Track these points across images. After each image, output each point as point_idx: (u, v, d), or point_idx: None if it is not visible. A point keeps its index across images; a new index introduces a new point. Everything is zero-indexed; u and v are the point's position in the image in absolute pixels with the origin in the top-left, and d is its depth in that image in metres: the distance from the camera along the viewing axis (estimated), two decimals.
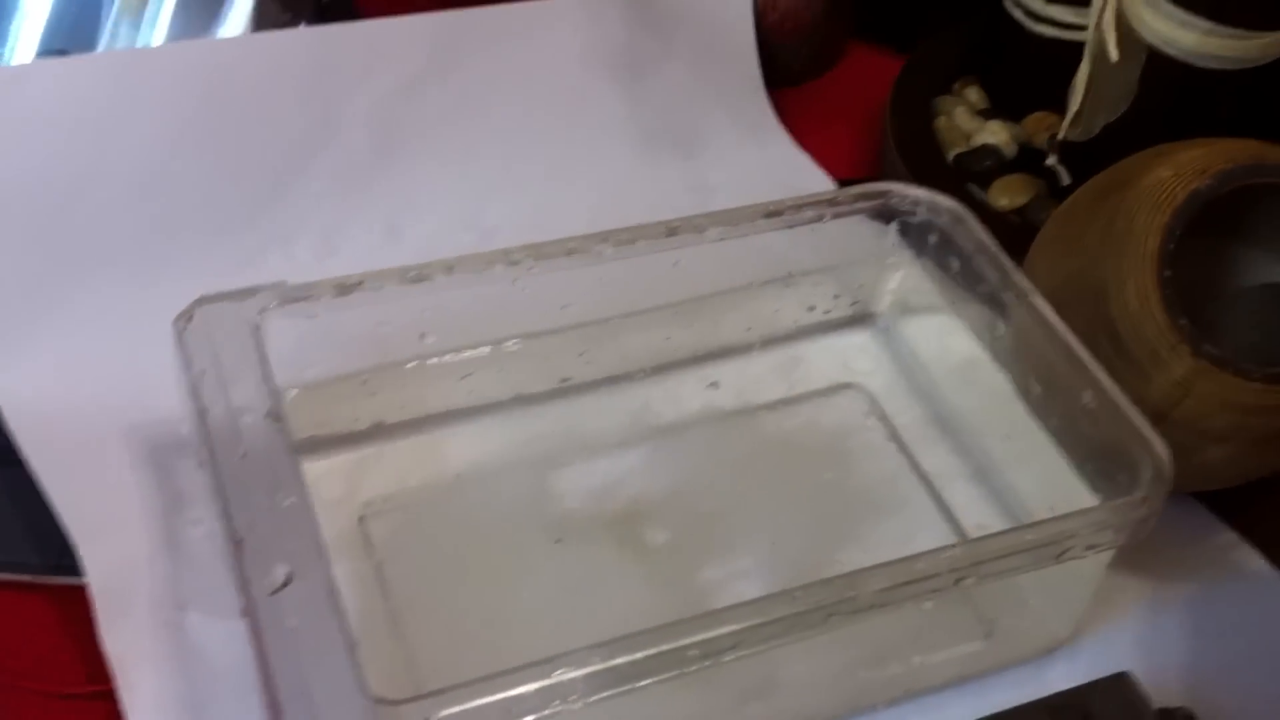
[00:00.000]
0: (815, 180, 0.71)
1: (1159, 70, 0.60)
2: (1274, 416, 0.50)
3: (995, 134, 0.70)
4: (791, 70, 0.77)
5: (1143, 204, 0.51)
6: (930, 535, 0.53)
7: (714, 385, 0.58)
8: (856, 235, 0.59)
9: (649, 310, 0.58)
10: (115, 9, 0.65)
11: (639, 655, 0.41)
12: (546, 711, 0.40)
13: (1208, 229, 0.51)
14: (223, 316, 0.50)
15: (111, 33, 0.65)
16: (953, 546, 0.45)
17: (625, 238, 0.54)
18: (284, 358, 0.49)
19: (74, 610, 0.49)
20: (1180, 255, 0.50)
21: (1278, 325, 0.57)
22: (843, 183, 0.71)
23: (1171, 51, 0.59)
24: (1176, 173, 0.51)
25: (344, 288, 0.51)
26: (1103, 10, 0.61)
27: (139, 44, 0.65)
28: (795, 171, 0.72)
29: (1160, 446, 0.47)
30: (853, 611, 0.43)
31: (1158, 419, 0.49)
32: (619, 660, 0.40)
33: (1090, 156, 0.63)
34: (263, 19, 0.66)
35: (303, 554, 0.43)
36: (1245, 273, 0.58)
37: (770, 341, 0.60)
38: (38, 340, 0.56)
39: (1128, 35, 0.60)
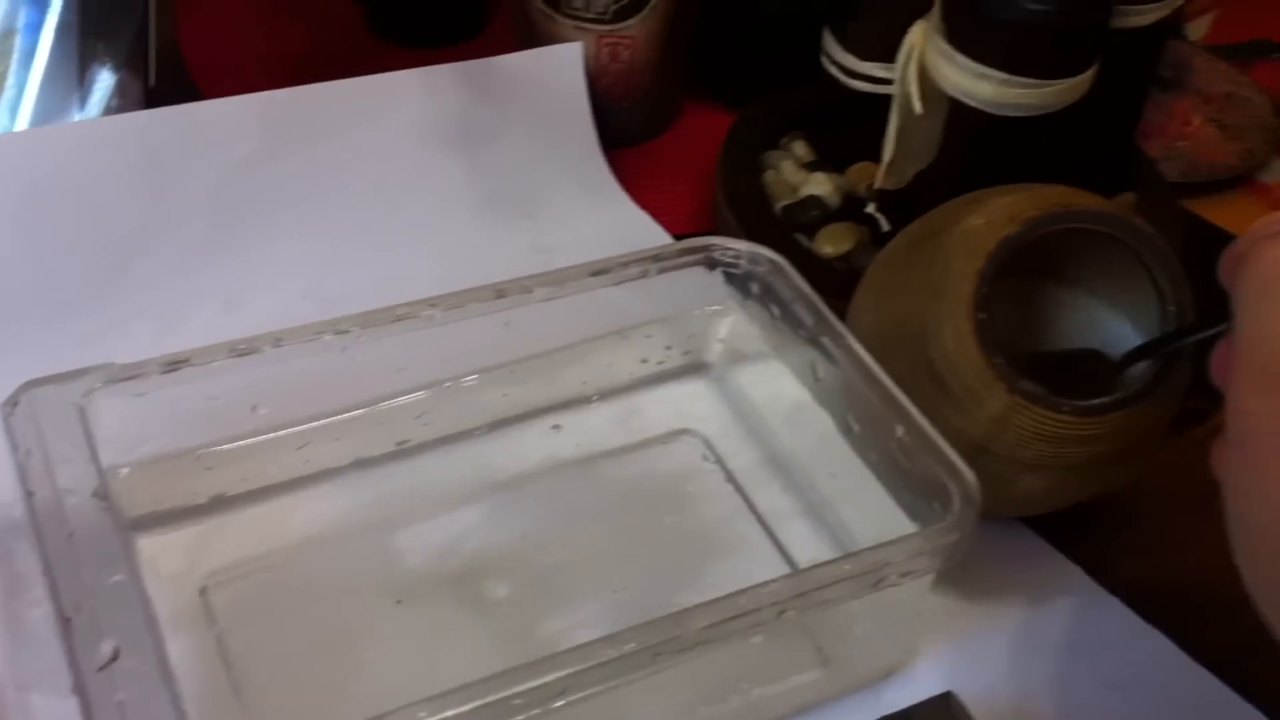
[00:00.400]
0: (655, 237, 0.73)
1: (962, 120, 0.63)
2: (1085, 445, 0.52)
3: (820, 185, 0.72)
4: (628, 132, 0.79)
5: (957, 251, 0.53)
6: (768, 572, 0.54)
7: (556, 429, 0.60)
8: (685, 287, 0.60)
9: (484, 370, 0.59)
10: None
11: (467, 707, 0.41)
12: None
13: (1021, 268, 0.54)
14: (48, 399, 0.50)
15: None
16: (775, 580, 0.47)
17: (453, 302, 0.55)
18: (114, 437, 0.50)
19: None
20: (995, 295, 0.53)
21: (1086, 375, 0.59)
22: (680, 238, 0.73)
23: (971, 102, 0.62)
24: (988, 220, 0.54)
25: (171, 364, 0.52)
26: (906, 66, 0.64)
27: (1, 129, 0.65)
28: (635, 229, 0.74)
29: (968, 474, 0.49)
30: (679, 650, 0.44)
31: (979, 451, 0.52)
32: (449, 713, 0.41)
33: (906, 203, 0.66)
34: (125, 98, 0.67)
35: (131, 629, 0.43)
36: (1058, 308, 0.61)
37: (607, 394, 0.62)
38: None
39: (930, 88, 0.63)
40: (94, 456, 0.48)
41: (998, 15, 0.60)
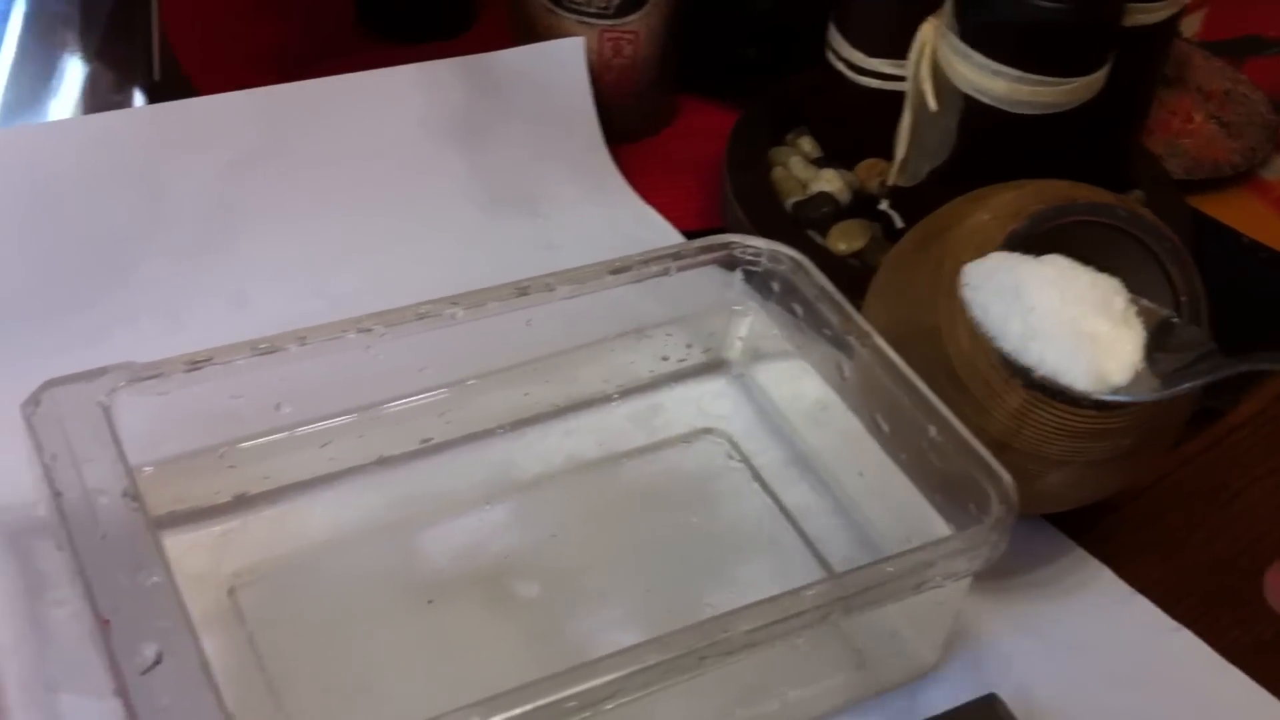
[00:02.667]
0: (661, 233, 0.73)
1: (976, 117, 0.63)
2: (1106, 439, 0.52)
3: (830, 182, 0.72)
4: (630, 128, 0.79)
5: (965, 247, 0.53)
6: (798, 571, 0.54)
7: (578, 428, 0.59)
8: (704, 286, 0.60)
9: (506, 369, 0.58)
10: None
11: (517, 711, 0.41)
12: None
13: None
14: (71, 398, 0.49)
15: None
16: (818, 583, 0.46)
17: (476, 300, 0.55)
18: (137, 436, 0.49)
19: None
20: None
21: None
22: (688, 234, 0.72)
23: (985, 99, 0.62)
24: (994, 216, 0.54)
25: (194, 363, 0.51)
26: (919, 63, 0.64)
27: None
28: (641, 225, 0.73)
29: (1004, 475, 0.49)
30: (725, 653, 0.44)
31: (999, 449, 0.52)
32: (500, 716, 0.41)
33: (919, 200, 0.66)
34: (94, 95, 0.65)
35: (171, 631, 0.42)
36: None
37: (628, 392, 0.61)
38: None
39: (944, 86, 0.63)
40: (121, 456, 0.47)
41: (1012, 13, 0.60)
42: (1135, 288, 0.57)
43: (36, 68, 0.66)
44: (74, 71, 0.66)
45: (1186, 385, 0.49)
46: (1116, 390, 0.50)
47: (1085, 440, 0.52)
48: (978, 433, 0.51)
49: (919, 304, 0.54)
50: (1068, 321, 0.50)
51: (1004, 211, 0.53)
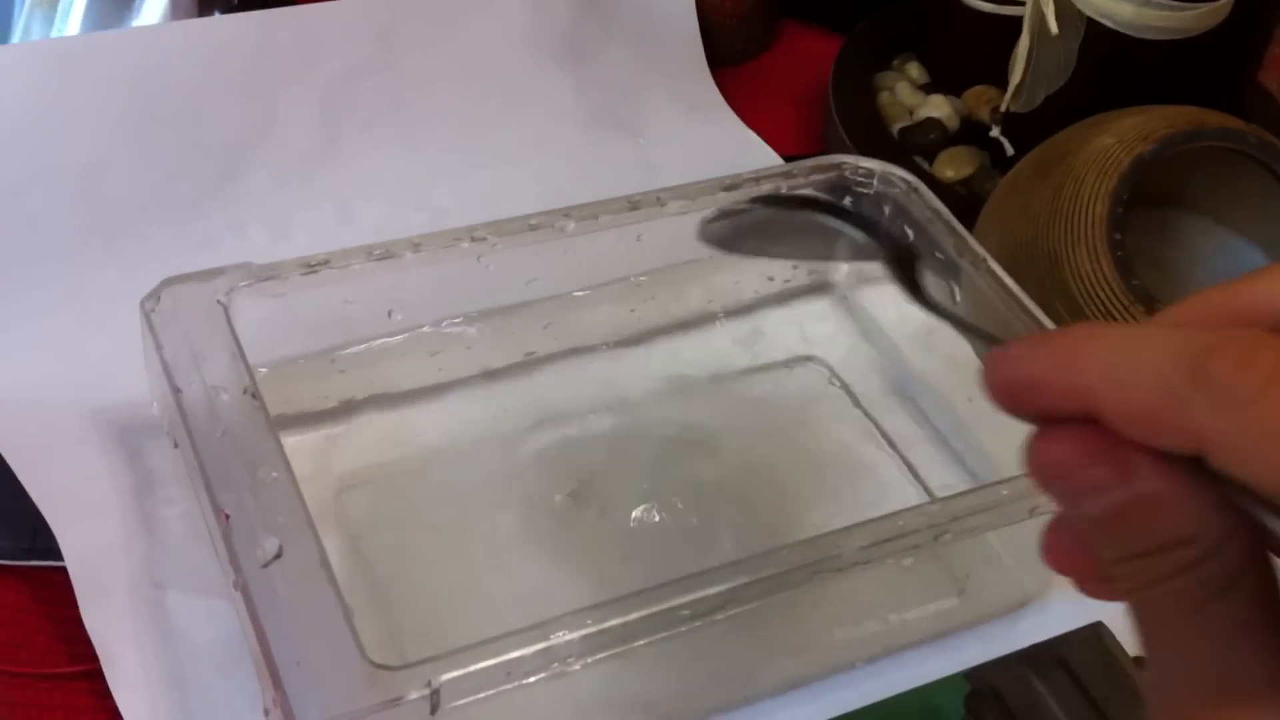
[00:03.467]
0: (761, 157, 0.72)
1: (1097, 42, 0.62)
2: None
3: (938, 108, 0.71)
4: (732, 50, 0.78)
5: (1089, 171, 0.52)
6: (899, 496, 0.54)
7: (678, 355, 0.59)
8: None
9: (612, 283, 0.58)
10: (28, 4, 0.64)
11: (633, 616, 0.41)
12: (544, 674, 0.40)
13: (1147, 196, 0.53)
14: (190, 297, 0.49)
15: (25, 25, 0.64)
16: (930, 503, 0.46)
17: (588, 213, 0.55)
18: (251, 337, 0.49)
19: (49, 593, 0.49)
20: (1127, 217, 0.52)
21: None
22: (789, 159, 0.72)
23: (1109, 24, 0.61)
24: (1119, 140, 0.53)
25: (310, 266, 0.51)
26: None
27: (53, 35, 0.64)
28: (741, 148, 0.73)
29: None
30: (837, 569, 0.44)
31: None
32: (613, 622, 0.41)
33: (1032, 127, 0.65)
34: (177, 7, 0.65)
35: (291, 527, 0.42)
36: (1186, 235, 0.60)
37: (732, 313, 0.61)
38: None
39: (1066, 9, 0.62)
40: (241, 354, 0.47)
41: None
42: (1256, 219, 0.56)
43: None
44: None
45: None
46: None
47: None
48: None
49: (1037, 228, 0.53)
50: None
51: (1129, 135, 0.52)
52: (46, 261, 0.58)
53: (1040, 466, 0.26)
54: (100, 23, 0.64)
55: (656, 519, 0.53)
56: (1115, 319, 0.51)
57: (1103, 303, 0.51)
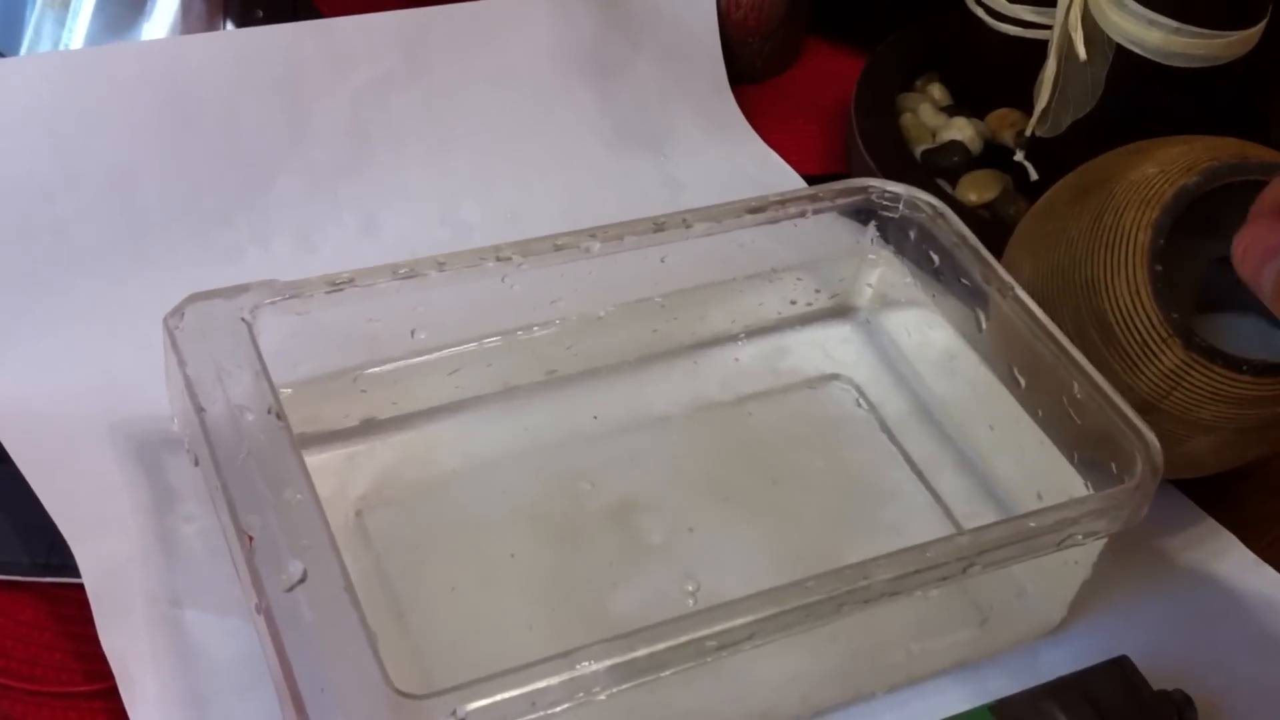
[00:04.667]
0: (782, 176, 0.72)
1: (1125, 68, 0.61)
2: (1260, 407, 0.51)
3: (961, 130, 0.71)
4: (754, 68, 0.78)
5: (1131, 200, 0.52)
6: (923, 523, 0.54)
7: (700, 375, 0.59)
8: (837, 230, 0.59)
9: (635, 303, 0.58)
10: (39, 4, 0.64)
11: (660, 646, 0.41)
12: (569, 703, 0.40)
13: (1186, 225, 0.52)
14: (214, 313, 0.49)
15: (36, 24, 0.64)
16: (959, 535, 0.46)
17: (613, 233, 0.54)
18: (274, 354, 0.49)
19: (65, 610, 0.48)
20: (1168, 248, 0.51)
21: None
22: (810, 179, 0.72)
23: (1138, 50, 0.60)
24: (1163, 169, 0.52)
25: (335, 284, 0.51)
26: (1069, 9, 0.62)
27: (63, 40, 0.64)
28: (762, 168, 0.72)
29: (1150, 435, 0.48)
30: (864, 600, 0.44)
31: (1146, 409, 0.51)
32: (640, 652, 0.40)
33: (1058, 153, 0.64)
34: (188, 15, 0.65)
35: (315, 549, 0.42)
36: (1218, 266, 0.60)
37: (754, 333, 0.61)
38: (18, 340, 0.55)
39: (1094, 34, 0.61)
40: (265, 373, 0.47)
41: None
42: None
43: None
44: None
45: None
46: None
47: (1237, 406, 0.51)
48: (1125, 391, 0.50)
49: (1074, 255, 0.53)
50: None
51: (1174, 166, 0.52)
52: (73, 270, 0.58)
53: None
54: (110, 24, 0.64)
55: (680, 540, 0.53)
56: (1151, 350, 0.51)
57: (1140, 333, 0.51)
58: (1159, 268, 0.51)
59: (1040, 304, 0.53)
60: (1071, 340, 0.52)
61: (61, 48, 0.64)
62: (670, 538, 0.53)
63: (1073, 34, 0.62)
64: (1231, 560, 0.56)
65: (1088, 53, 0.61)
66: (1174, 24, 0.59)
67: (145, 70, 0.61)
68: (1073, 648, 0.52)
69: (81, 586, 0.48)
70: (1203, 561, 0.56)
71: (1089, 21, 0.61)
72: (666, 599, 0.50)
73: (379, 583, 0.49)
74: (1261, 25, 0.61)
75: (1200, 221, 0.52)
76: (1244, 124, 0.66)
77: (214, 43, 0.63)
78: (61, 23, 0.64)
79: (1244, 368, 0.50)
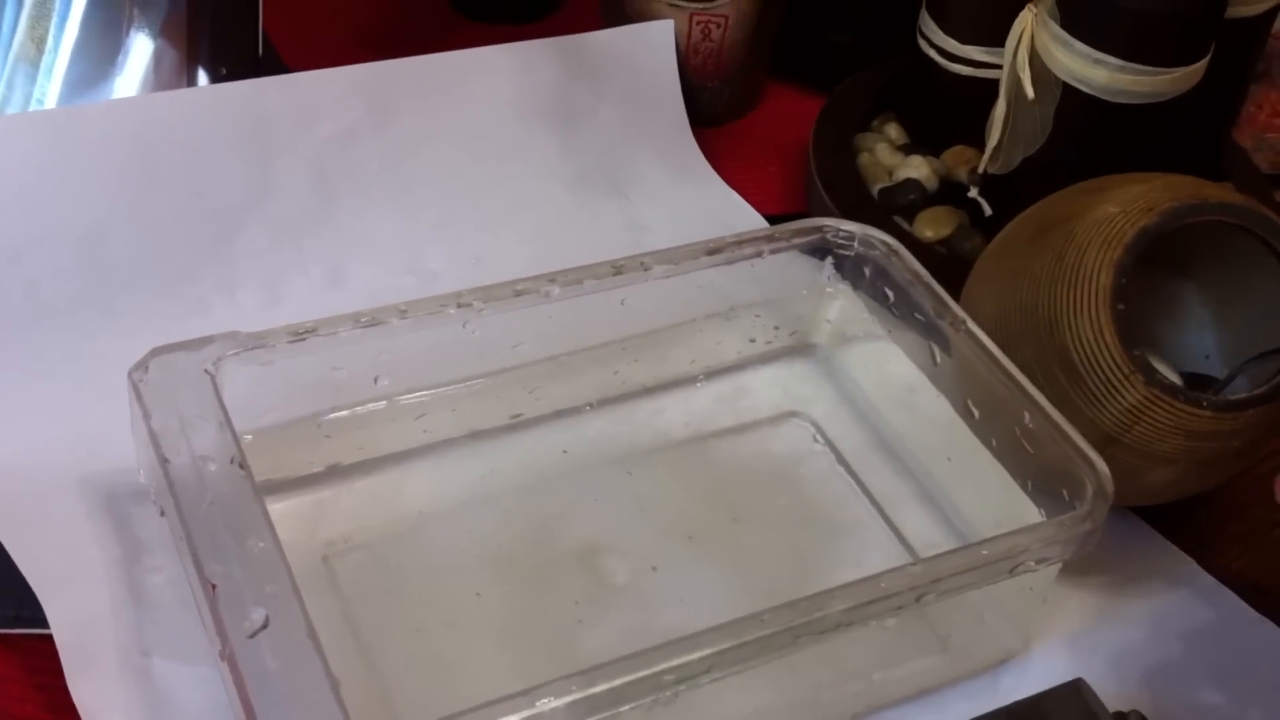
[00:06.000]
0: (744, 217, 0.73)
1: (1073, 106, 0.63)
2: (1219, 440, 0.52)
3: (917, 168, 0.72)
4: (715, 111, 0.79)
5: (1093, 239, 0.53)
6: (883, 555, 0.55)
7: (665, 407, 0.60)
8: (794, 269, 0.60)
9: (596, 346, 0.59)
10: (11, 55, 0.65)
11: (618, 682, 0.41)
12: None
13: (1145, 260, 0.54)
14: (178, 366, 0.50)
15: (9, 79, 0.65)
16: (913, 565, 0.47)
17: (572, 278, 0.55)
18: (238, 404, 0.50)
19: (35, 661, 0.49)
20: (1130, 287, 0.52)
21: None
22: (771, 219, 0.73)
23: (1085, 89, 0.62)
24: (1124, 209, 0.53)
25: (298, 334, 0.52)
26: (1017, 50, 0.63)
27: (35, 94, 0.65)
28: (725, 209, 0.74)
29: (1100, 464, 0.50)
30: (820, 631, 0.44)
31: (1108, 442, 0.52)
32: (599, 688, 0.41)
33: (1011, 188, 0.66)
34: (160, 68, 0.66)
35: (278, 596, 0.43)
36: (1177, 302, 0.61)
37: (714, 373, 0.62)
38: None
39: (1042, 74, 0.63)
40: (229, 424, 0.48)
41: (1119, 2, 0.60)
42: (1247, 290, 0.56)
43: (103, 44, 0.66)
44: (142, 48, 0.67)
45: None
46: None
47: (1197, 440, 0.52)
48: (1088, 425, 0.51)
49: (1035, 292, 0.54)
50: None
51: (1134, 205, 0.53)
52: (41, 326, 0.59)
53: None
54: (83, 78, 0.65)
55: (643, 580, 0.53)
56: (1114, 386, 0.52)
57: (1103, 370, 0.52)
58: (1121, 306, 0.52)
59: (1002, 341, 0.54)
60: (1035, 376, 0.53)
61: (34, 102, 0.65)
62: (635, 578, 0.53)
63: (1021, 74, 0.63)
64: (1190, 584, 0.57)
65: (1036, 92, 0.63)
66: (1119, 62, 0.60)
67: (112, 129, 0.62)
68: (1032, 672, 0.53)
69: (51, 638, 0.48)
70: (1161, 585, 0.57)
71: (1037, 62, 0.63)
72: (635, 636, 0.51)
73: (346, 627, 0.50)
74: (1205, 61, 0.62)
75: (1159, 256, 0.53)
76: (1192, 157, 0.67)
77: (180, 100, 0.64)
78: (33, 78, 0.65)
79: (1204, 403, 0.51)
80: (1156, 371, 0.51)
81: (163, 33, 0.66)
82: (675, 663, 0.42)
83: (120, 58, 0.66)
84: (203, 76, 0.67)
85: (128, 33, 0.66)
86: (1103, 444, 0.51)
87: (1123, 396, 0.51)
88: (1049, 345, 0.53)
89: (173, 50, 0.67)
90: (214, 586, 0.43)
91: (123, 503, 0.53)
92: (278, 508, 0.53)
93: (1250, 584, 0.57)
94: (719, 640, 0.43)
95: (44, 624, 0.49)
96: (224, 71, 0.66)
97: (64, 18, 0.66)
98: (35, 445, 0.54)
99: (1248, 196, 0.55)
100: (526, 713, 0.40)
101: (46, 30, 0.66)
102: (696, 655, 0.43)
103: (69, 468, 0.54)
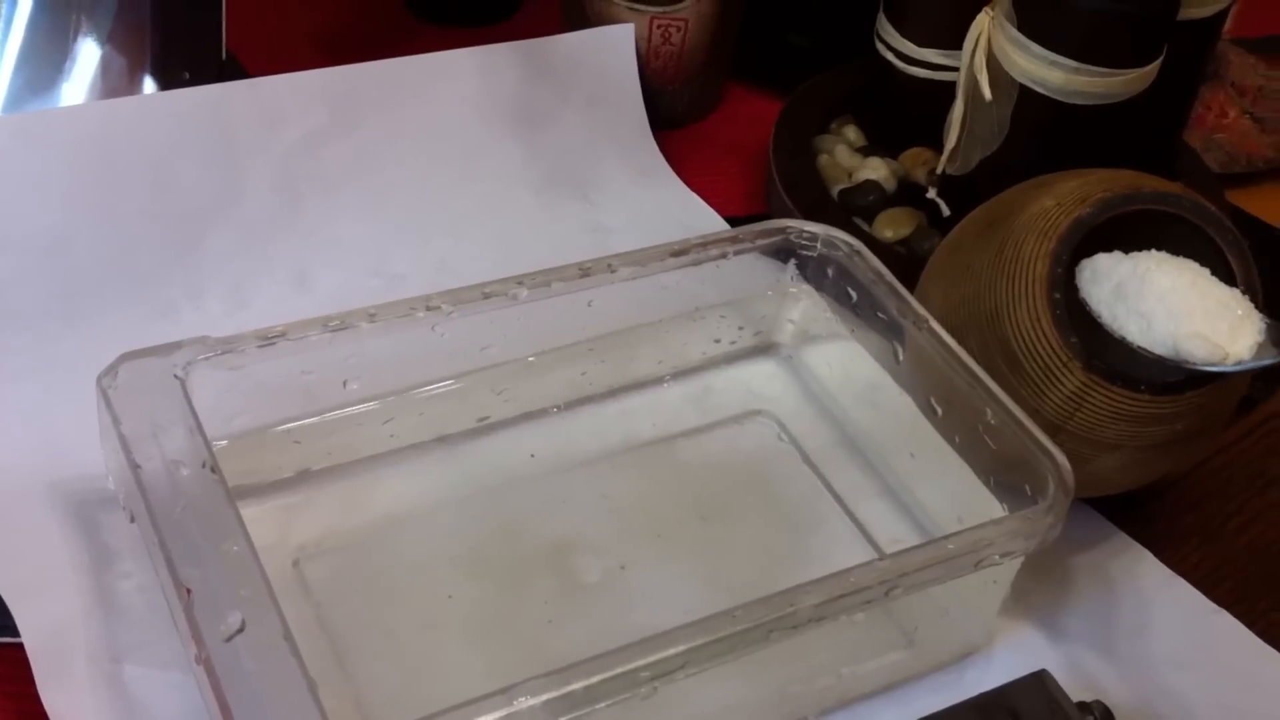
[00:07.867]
0: (705, 218, 0.74)
1: (1029, 107, 0.64)
2: (1161, 424, 0.53)
3: (876, 170, 0.73)
4: (676, 114, 0.80)
5: (1029, 232, 0.54)
6: (849, 551, 0.55)
7: (630, 415, 0.60)
8: (758, 270, 0.61)
9: (563, 348, 0.59)
10: None
11: (595, 679, 0.42)
12: None
13: (1089, 250, 0.55)
14: (147, 371, 0.50)
15: None
16: (881, 559, 0.48)
17: (540, 280, 0.56)
18: (208, 409, 0.50)
19: (5, 669, 0.49)
20: (1066, 277, 0.53)
21: None
22: (732, 220, 0.73)
23: (1040, 90, 0.63)
24: (1059, 202, 0.55)
25: (267, 338, 0.52)
26: (974, 53, 0.64)
27: None
28: (686, 211, 0.74)
29: (1060, 457, 0.50)
30: (792, 626, 0.45)
31: (1053, 431, 0.53)
32: (576, 685, 0.42)
33: (969, 188, 0.67)
34: (108, 74, 0.66)
35: (253, 599, 0.43)
36: None
37: (680, 373, 0.62)
38: None
39: (999, 76, 0.64)
40: (199, 428, 0.48)
41: (1074, 4, 0.61)
42: None
43: (49, 51, 0.66)
44: (89, 55, 0.66)
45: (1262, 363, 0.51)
46: (1240, 362, 0.51)
47: (1140, 425, 0.53)
48: (1032, 415, 0.52)
49: (979, 286, 0.55)
50: (1203, 297, 0.51)
51: (1069, 198, 0.54)
52: (7, 332, 0.58)
53: None
54: (29, 83, 0.65)
55: (614, 579, 0.54)
56: (1054, 374, 0.53)
57: (1042, 358, 0.53)
58: (1057, 295, 0.53)
59: (951, 334, 0.55)
60: (982, 368, 0.54)
61: None
62: (605, 577, 0.54)
63: (978, 76, 0.64)
64: (1147, 575, 0.58)
65: (993, 93, 0.64)
66: (1074, 64, 0.61)
67: (77, 134, 0.62)
68: (996, 665, 0.54)
69: (22, 646, 0.48)
70: (1119, 577, 0.58)
71: (993, 64, 0.64)
72: (607, 635, 0.51)
73: (319, 630, 0.50)
74: (1157, 63, 0.63)
75: (1100, 247, 0.54)
76: (1147, 157, 0.68)
77: (145, 105, 0.64)
78: None
79: (1141, 386, 0.52)
80: (1093, 358, 0.52)
81: (110, 40, 0.66)
82: (651, 659, 0.43)
83: (68, 65, 0.66)
84: (149, 84, 0.66)
85: (75, 40, 0.66)
86: (1048, 433, 0.52)
87: (1062, 384, 0.52)
88: (991, 336, 0.54)
89: (120, 57, 0.66)
90: (189, 591, 0.43)
91: (92, 509, 0.53)
92: (248, 513, 0.52)
93: (1206, 575, 0.58)
94: (694, 636, 0.44)
95: (14, 632, 0.48)
96: (187, 76, 0.66)
97: (9, 23, 0.65)
98: (2, 452, 0.54)
99: (1185, 187, 0.56)
100: (504, 711, 0.41)
101: None
102: (672, 651, 0.43)
103: (37, 475, 0.54)
